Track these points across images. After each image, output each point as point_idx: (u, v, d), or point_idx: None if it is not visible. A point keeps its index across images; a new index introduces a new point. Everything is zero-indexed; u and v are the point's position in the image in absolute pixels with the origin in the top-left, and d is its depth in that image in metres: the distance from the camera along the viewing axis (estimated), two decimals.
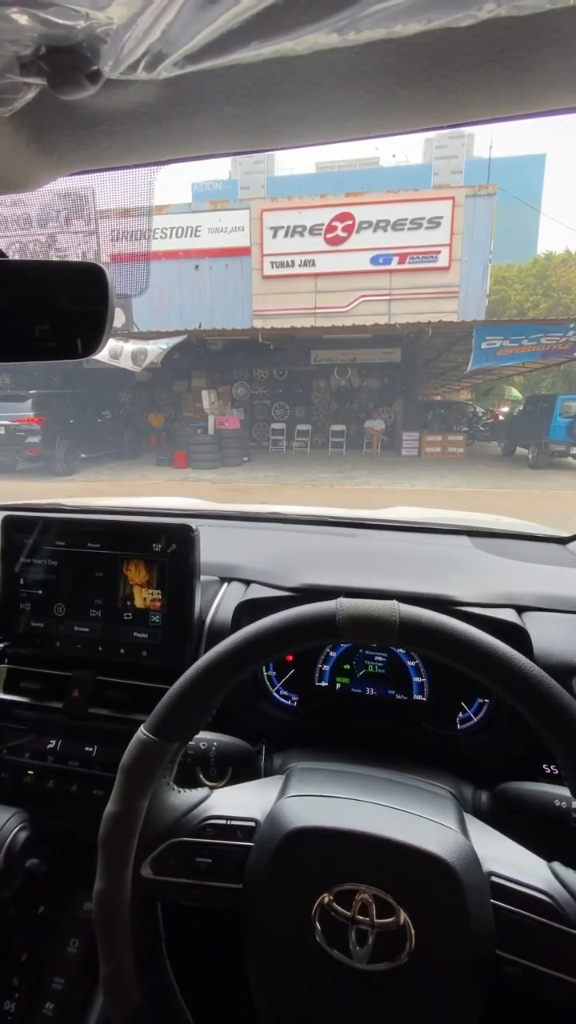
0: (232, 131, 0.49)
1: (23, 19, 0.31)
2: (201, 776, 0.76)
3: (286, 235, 12.39)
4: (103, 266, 0.56)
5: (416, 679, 0.85)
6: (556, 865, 0.51)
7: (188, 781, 0.69)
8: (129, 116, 0.47)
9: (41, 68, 0.37)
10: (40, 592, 0.95)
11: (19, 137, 0.48)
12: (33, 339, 0.56)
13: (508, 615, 0.82)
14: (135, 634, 0.90)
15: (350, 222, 12.10)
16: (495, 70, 0.41)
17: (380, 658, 0.87)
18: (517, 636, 0.79)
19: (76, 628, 0.93)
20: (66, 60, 0.36)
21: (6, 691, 0.96)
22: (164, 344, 11.00)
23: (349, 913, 0.49)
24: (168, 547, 0.89)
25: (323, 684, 0.89)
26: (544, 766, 0.77)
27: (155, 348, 10.90)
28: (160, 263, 12.72)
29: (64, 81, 0.38)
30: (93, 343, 0.56)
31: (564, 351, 10.73)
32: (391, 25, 0.34)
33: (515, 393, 20.92)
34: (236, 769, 0.75)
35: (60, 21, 0.32)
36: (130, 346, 10.80)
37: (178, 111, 0.46)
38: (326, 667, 0.89)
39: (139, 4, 0.31)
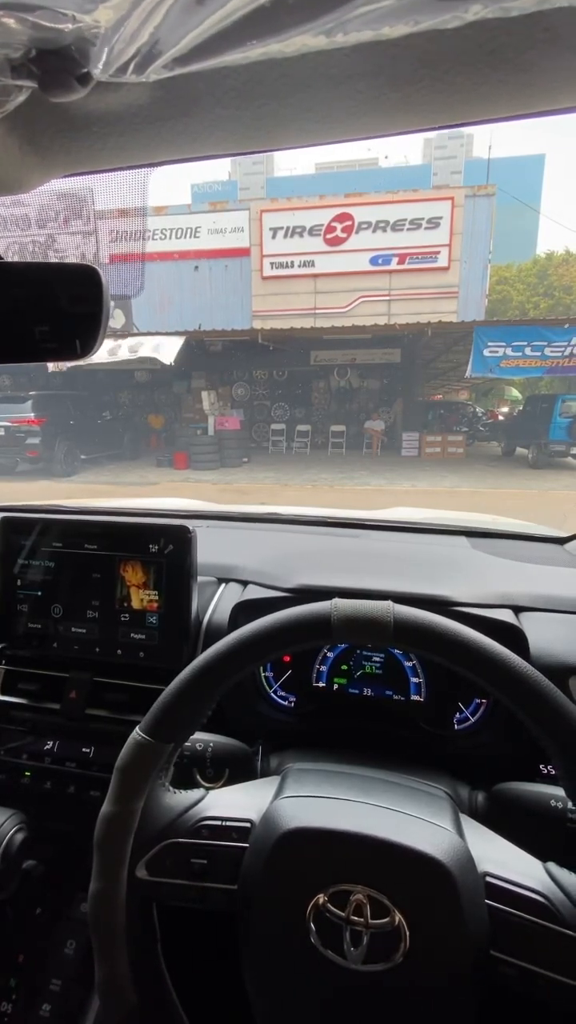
0: (224, 132, 0.49)
1: (10, 22, 0.32)
2: (198, 777, 0.76)
3: (285, 236, 12.42)
4: (97, 267, 0.56)
5: (413, 679, 0.85)
6: (551, 866, 0.51)
7: (185, 782, 0.69)
8: (121, 118, 0.47)
9: (31, 71, 0.37)
10: (38, 593, 0.95)
11: (11, 140, 0.49)
12: (33, 340, 0.56)
13: (505, 615, 0.82)
14: (132, 635, 0.90)
15: (349, 223, 12.12)
16: (485, 71, 0.41)
17: (377, 659, 0.87)
18: (513, 636, 0.79)
19: (73, 629, 0.93)
20: (55, 62, 0.36)
21: (3, 692, 0.96)
22: (175, 338, 11.13)
23: (344, 914, 0.49)
24: (165, 548, 0.89)
25: (320, 685, 0.89)
26: (540, 767, 0.77)
27: (168, 340, 11.07)
28: (160, 264, 12.75)
29: (54, 83, 0.38)
30: (90, 343, 0.57)
31: (570, 367, 10.65)
32: (378, 27, 0.34)
33: (515, 393, 20.92)
34: (232, 770, 0.75)
35: (47, 24, 0.32)
36: (150, 340, 10.97)
37: (170, 113, 0.46)
38: (323, 668, 0.89)
39: (126, 7, 0.31)
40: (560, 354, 10.49)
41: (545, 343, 10.46)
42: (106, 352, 10.93)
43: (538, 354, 10.54)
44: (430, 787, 0.66)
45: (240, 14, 0.32)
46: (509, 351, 10.55)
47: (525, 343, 10.52)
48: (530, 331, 10.72)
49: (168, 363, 11.03)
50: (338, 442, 13.99)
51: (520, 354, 10.57)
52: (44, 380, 12.46)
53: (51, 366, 11.20)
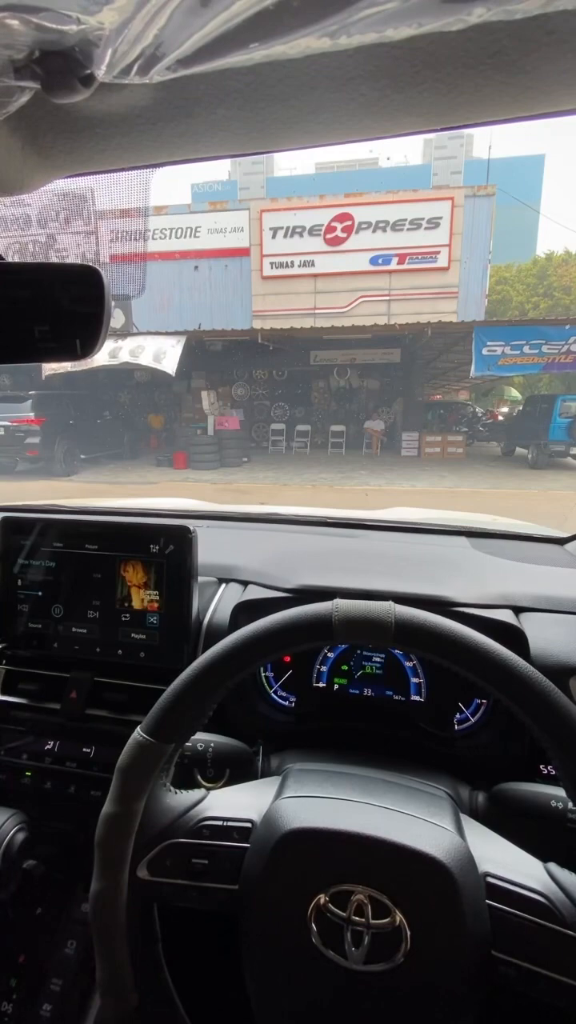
0: (227, 134, 0.50)
1: (15, 23, 0.32)
2: (198, 777, 0.76)
3: (285, 236, 12.41)
4: (98, 268, 0.56)
5: (414, 680, 0.85)
6: (551, 866, 0.52)
7: (185, 782, 0.69)
8: (124, 119, 0.47)
9: (35, 72, 0.37)
10: (38, 593, 0.95)
11: (14, 140, 0.49)
12: (33, 340, 0.56)
13: (505, 616, 0.82)
14: (133, 635, 0.90)
15: (349, 223, 12.12)
16: (488, 73, 0.41)
17: (378, 659, 0.87)
18: (513, 637, 0.79)
19: (74, 629, 0.93)
20: (59, 64, 0.36)
21: (4, 692, 0.96)
22: (173, 341, 11.12)
23: (345, 914, 0.49)
24: (166, 548, 0.89)
25: (321, 685, 0.89)
26: (541, 767, 0.77)
27: (169, 346, 11.05)
28: (159, 264, 12.74)
29: (58, 84, 0.38)
30: (91, 343, 0.57)
31: (567, 363, 10.72)
32: (382, 29, 0.34)
33: (514, 393, 20.92)
34: (233, 770, 0.75)
35: (52, 25, 0.32)
36: (151, 345, 10.95)
37: (172, 114, 0.47)
38: (324, 668, 0.89)
39: (130, 9, 0.31)
40: (557, 351, 10.53)
41: (543, 341, 10.51)
42: (107, 355, 10.97)
43: (536, 351, 10.59)
44: (430, 787, 0.66)
45: (244, 16, 0.32)
46: (508, 349, 10.59)
47: (524, 342, 10.56)
48: (529, 331, 10.75)
49: (171, 373, 11.04)
50: (338, 442, 13.99)
51: (519, 352, 10.61)
52: (44, 380, 12.47)
53: (45, 371, 11.19)
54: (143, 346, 11.16)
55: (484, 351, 10.61)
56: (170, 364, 10.97)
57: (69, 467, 10.97)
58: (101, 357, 10.87)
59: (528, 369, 11.19)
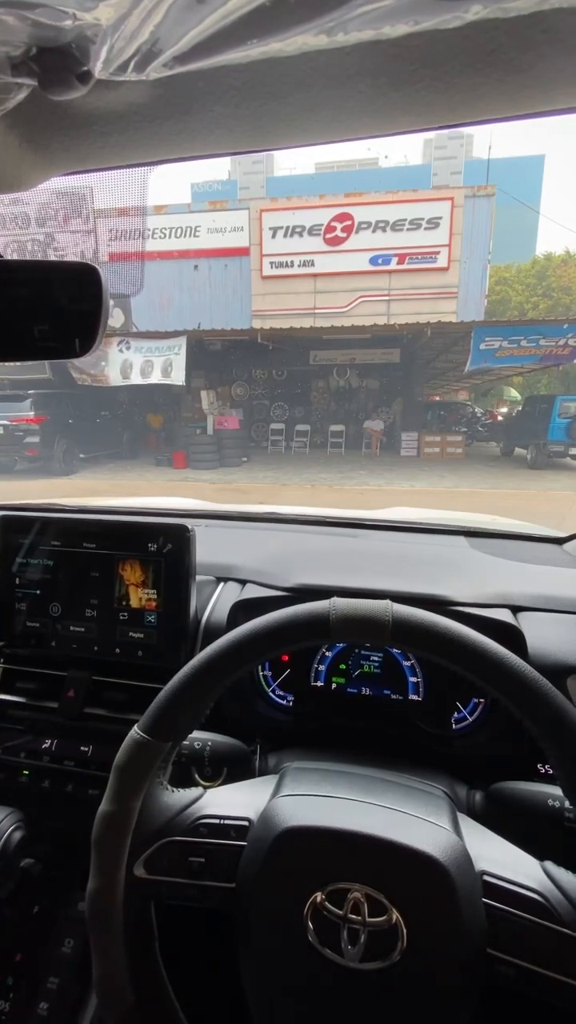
0: (224, 131, 0.50)
1: (10, 19, 0.32)
2: (196, 775, 0.76)
3: (285, 235, 12.41)
4: (97, 266, 0.56)
5: (412, 679, 0.85)
6: (548, 864, 0.52)
7: (183, 781, 0.69)
8: (121, 116, 0.47)
9: (31, 68, 0.37)
10: (36, 592, 0.95)
11: (11, 137, 0.49)
12: (33, 339, 0.56)
13: (503, 615, 0.82)
14: (131, 634, 0.90)
15: (349, 222, 12.12)
16: (485, 71, 0.41)
17: (376, 658, 0.87)
18: (511, 636, 0.79)
19: (72, 628, 0.93)
20: (56, 61, 0.36)
21: (2, 691, 0.96)
22: (176, 348, 11.17)
23: (341, 912, 0.49)
24: (164, 547, 0.89)
25: (319, 684, 0.89)
26: (538, 766, 0.77)
27: (173, 354, 11.13)
28: (159, 263, 12.74)
29: (54, 81, 0.38)
30: (89, 341, 0.57)
31: (563, 356, 10.77)
32: (379, 27, 0.34)
33: (514, 394, 20.93)
34: (231, 769, 0.75)
35: (48, 22, 0.32)
36: (157, 360, 11.11)
37: (170, 111, 0.47)
38: (322, 667, 0.89)
39: (126, 6, 0.31)
40: (554, 344, 10.55)
41: (540, 336, 10.53)
42: (119, 374, 11.11)
43: (533, 344, 10.60)
44: (428, 786, 0.66)
45: (240, 13, 0.32)
46: (505, 343, 10.60)
47: (522, 337, 10.58)
48: (527, 330, 10.76)
49: (181, 383, 11.09)
50: (337, 442, 14.00)
51: (516, 346, 10.62)
52: (43, 379, 12.44)
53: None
54: (152, 362, 11.23)
55: (481, 346, 10.61)
56: (179, 375, 11.10)
57: (68, 466, 10.96)
58: (115, 377, 11.08)
59: (524, 360, 11.16)
